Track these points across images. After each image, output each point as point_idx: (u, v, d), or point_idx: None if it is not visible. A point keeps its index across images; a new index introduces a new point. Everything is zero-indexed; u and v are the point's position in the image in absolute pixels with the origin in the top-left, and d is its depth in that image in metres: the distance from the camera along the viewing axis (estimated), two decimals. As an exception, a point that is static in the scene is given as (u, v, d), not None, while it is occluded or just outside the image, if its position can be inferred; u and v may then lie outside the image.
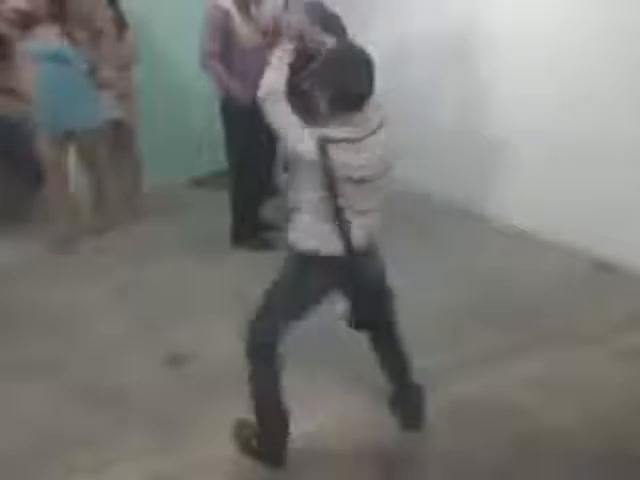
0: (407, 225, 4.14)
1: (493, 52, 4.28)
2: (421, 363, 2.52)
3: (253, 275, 3.50)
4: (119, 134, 4.89)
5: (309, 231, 2.10)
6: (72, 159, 4.41)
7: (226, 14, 3.76)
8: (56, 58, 3.97)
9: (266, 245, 4.08)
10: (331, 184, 1.96)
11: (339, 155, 1.94)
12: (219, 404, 2.61)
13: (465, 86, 4.57)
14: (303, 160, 1.97)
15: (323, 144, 1.92)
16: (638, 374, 2.81)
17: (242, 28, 3.80)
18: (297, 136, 1.97)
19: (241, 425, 2.44)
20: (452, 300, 3.35)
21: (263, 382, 2.27)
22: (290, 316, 2.21)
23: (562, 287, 3.53)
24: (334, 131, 1.97)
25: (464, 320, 3.19)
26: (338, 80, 1.98)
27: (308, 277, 2.14)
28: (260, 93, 2.05)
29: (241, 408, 2.38)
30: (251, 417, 2.33)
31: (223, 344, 2.96)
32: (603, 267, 3.71)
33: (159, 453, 2.41)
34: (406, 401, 2.48)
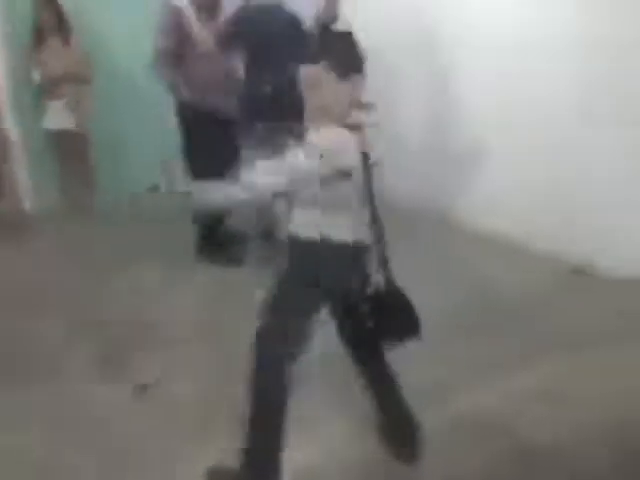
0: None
1: (465, 51, 4.14)
2: (408, 379, 2.29)
3: (220, 295, 3.29)
4: (71, 144, 4.67)
5: None
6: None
7: (179, 13, 3.51)
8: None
9: (233, 260, 3.83)
10: None
11: None
12: (186, 444, 2.32)
13: (436, 87, 4.41)
14: None
15: None
16: (628, 384, 2.64)
17: (199, 30, 3.56)
18: None
19: (214, 475, 2.15)
20: (435, 310, 3.12)
21: (261, 413, 1.96)
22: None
23: (544, 293, 3.40)
24: None
25: (449, 331, 2.98)
26: None
27: None
28: None
29: (213, 450, 2.15)
30: (224, 461, 2.08)
31: (190, 373, 2.74)
32: (581, 271, 3.60)
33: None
34: (397, 431, 2.26)
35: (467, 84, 4.20)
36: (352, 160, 1.88)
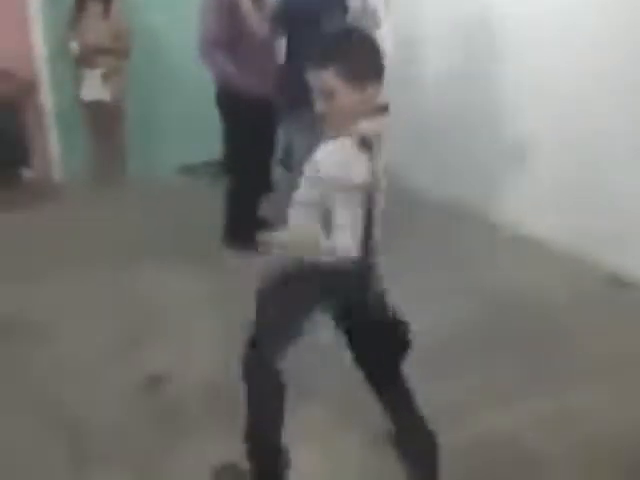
0: (410, 233, 3.81)
1: (505, 46, 3.94)
2: (424, 397, 2.13)
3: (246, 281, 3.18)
4: (104, 115, 4.62)
5: None
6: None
7: (233, 3, 3.36)
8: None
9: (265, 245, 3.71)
10: None
11: None
12: (196, 440, 2.25)
13: (474, 82, 4.21)
14: None
15: None
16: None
17: (251, 14, 3.40)
18: None
19: (222, 473, 2.09)
20: (458, 321, 3.00)
21: (261, 412, 1.91)
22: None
23: (575, 305, 3.18)
24: None
25: (471, 344, 2.83)
26: None
27: None
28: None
29: (222, 445, 2.08)
30: (234, 459, 2.00)
31: (204, 364, 2.66)
32: (617, 281, 3.39)
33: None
34: (413, 451, 2.12)
35: (506, 79, 4.02)
36: (358, 177, 1.70)
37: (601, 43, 3.40)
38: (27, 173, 4.65)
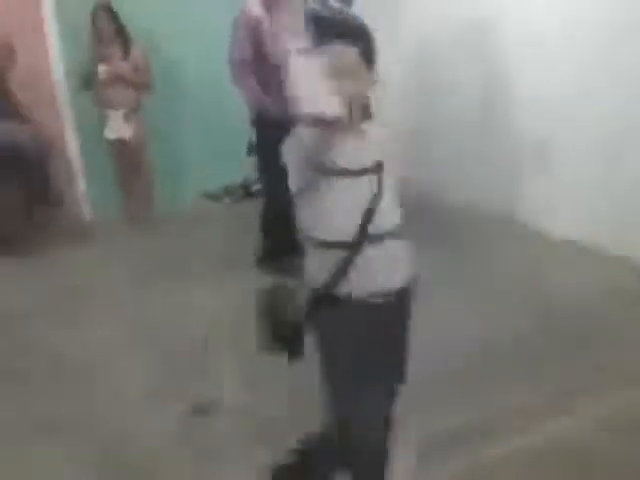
0: (442, 238, 3.84)
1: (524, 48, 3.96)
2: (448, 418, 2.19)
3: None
4: (128, 152, 4.76)
5: None
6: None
7: (258, 22, 3.47)
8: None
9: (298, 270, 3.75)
10: None
11: None
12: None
13: (493, 85, 4.26)
14: None
15: None
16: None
17: (268, 35, 3.50)
18: None
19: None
20: (491, 329, 2.98)
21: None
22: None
23: (617, 305, 3.13)
24: None
25: (502, 357, 2.79)
26: None
27: None
28: None
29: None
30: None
31: (248, 392, 2.70)
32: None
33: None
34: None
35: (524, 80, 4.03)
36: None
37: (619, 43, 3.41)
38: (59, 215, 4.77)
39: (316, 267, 1.78)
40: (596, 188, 3.71)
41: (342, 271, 1.70)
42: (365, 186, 1.70)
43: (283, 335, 1.83)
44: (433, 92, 4.59)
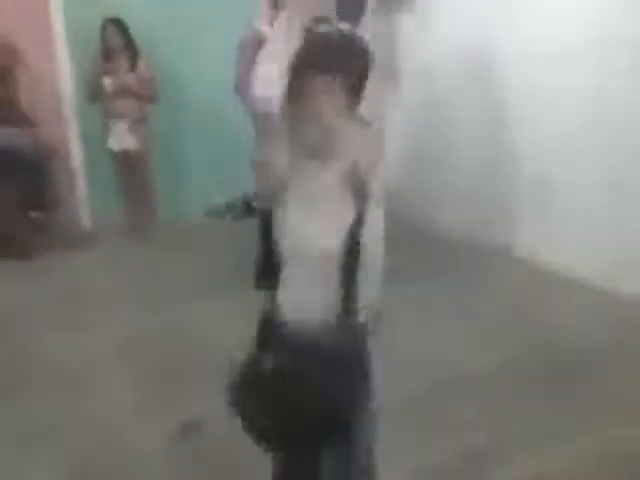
0: (442, 271, 3.82)
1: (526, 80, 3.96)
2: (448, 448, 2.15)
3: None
4: (131, 163, 4.76)
5: None
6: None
7: (262, 38, 3.52)
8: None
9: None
10: None
11: None
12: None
13: (493, 119, 4.25)
14: None
15: None
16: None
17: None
18: None
19: None
20: (486, 360, 2.97)
21: None
22: None
23: (611, 342, 3.10)
24: None
25: (499, 387, 2.77)
26: None
27: None
28: None
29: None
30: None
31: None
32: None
33: None
34: None
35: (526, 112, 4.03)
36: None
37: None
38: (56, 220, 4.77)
39: None
40: (595, 222, 3.69)
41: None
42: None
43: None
44: (433, 126, 4.59)
